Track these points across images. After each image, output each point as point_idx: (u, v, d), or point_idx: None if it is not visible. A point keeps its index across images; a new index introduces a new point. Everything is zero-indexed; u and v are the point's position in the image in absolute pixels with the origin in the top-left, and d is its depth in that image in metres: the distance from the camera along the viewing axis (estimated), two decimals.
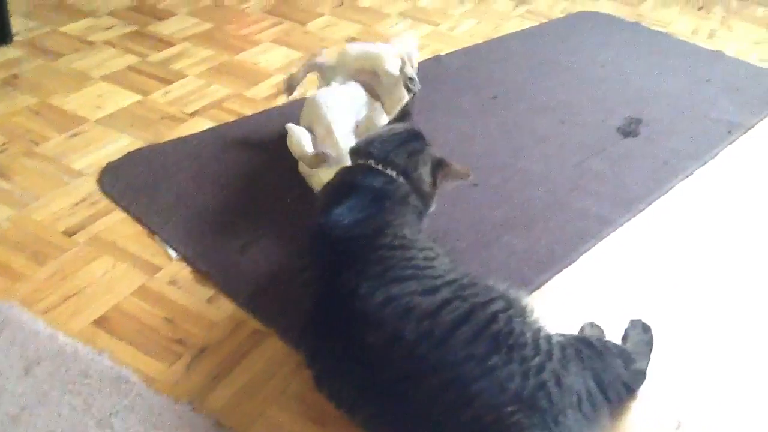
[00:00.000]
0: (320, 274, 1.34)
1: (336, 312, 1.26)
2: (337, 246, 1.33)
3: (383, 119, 1.96)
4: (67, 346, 1.40)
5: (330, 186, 1.52)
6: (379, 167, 1.47)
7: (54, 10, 2.81)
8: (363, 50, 2.06)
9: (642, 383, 1.39)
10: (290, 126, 1.87)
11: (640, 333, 1.47)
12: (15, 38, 2.55)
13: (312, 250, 1.41)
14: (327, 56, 2.11)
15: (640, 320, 1.51)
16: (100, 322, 1.48)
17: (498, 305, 1.24)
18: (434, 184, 1.52)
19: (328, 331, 1.27)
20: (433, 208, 1.56)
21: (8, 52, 2.47)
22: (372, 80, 2.02)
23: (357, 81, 2.01)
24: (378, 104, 2.01)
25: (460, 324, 1.18)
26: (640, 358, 1.40)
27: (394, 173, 1.47)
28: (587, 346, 1.29)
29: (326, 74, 2.07)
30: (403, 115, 1.64)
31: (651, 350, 1.45)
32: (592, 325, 1.50)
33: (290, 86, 2.09)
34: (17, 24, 2.63)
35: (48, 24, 2.69)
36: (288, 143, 1.87)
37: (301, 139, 1.83)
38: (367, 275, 1.25)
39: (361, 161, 1.50)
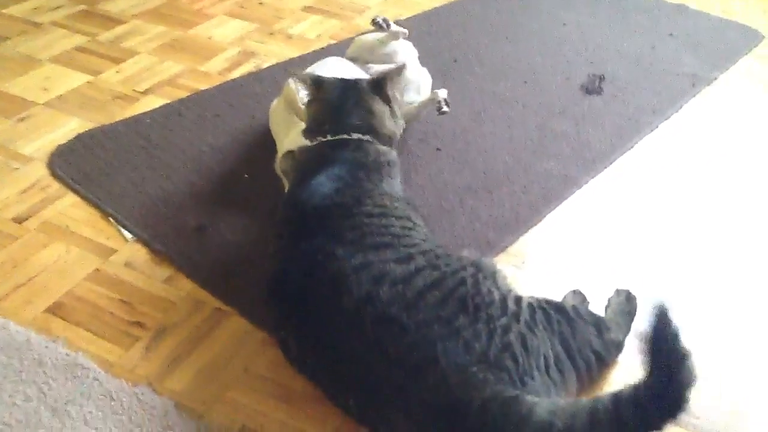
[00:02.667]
0: (292, 242, 1.32)
1: (308, 276, 1.25)
2: (313, 214, 1.33)
3: None
4: (18, 335, 1.36)
5: (301, 162, 1.49)
6: (344, 137, 1.47)
7: None
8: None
9: (616, 354, 1.35)
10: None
11: (623, 303, 1.44)
12: None
13: (285, 219, 1.39)
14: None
15: (626, 290, 1.47)
16: (54, 309, 1.44)
17: (468, 271, 1.25)
18: (388, 101, 1.55)
19: (298, 295, 1.26)
20: (404, 126, 1.62)
21: None
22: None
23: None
24: None
25: (431, 288, 1.19)
26: (617, 329, 1.36)
27: (357, 136, 1.47)
28: (557, 311, 1.28)
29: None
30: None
31: (631, 321, 1.41)
32: (575, 292, 1.47)
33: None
34: None
35: None
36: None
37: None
38: (345, 240, 1.26)
39: (322, 138, 1.48)
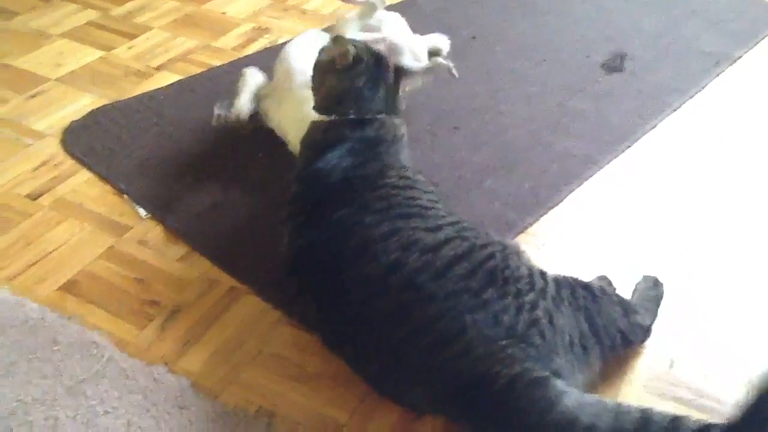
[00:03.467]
0: (316, 215, 1.30)
1: (335, 244, 1.24)
2: (336, 187, 1.32)
3: None
4: (33, 312, 1.35)
5: (317, 139, 1.44)
6: (364, 117, 1.42)
7: None
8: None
9: (643, 338, 1.32)
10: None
11: (650, 288, 1.41)
12: None
13: (303, 194, 1.37)
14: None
15: (653, 276, 1.44)
16: (69, 287, 1.42)
17: (496, 247, 1.23)
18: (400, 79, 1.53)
19: (323, 264, 1.24)
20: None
21: None
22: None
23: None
24: None
25: (460, 259, 1.17)
26: (644, 313, 1.33)
27: (378, 116, 1.43)
28: (583, 288, 1.25)
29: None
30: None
31: (658, 306, 1.38)
32: (600, 278, 1.44)
33: None
34: None
35: None
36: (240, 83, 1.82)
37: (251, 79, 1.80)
38: (372, 210, 1.25)
39: (339, 116, 1.43)
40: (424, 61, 1.89)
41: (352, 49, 1.42)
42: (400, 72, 1.52)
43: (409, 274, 1.15)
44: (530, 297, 1.16)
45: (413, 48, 1.94)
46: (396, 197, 1.29)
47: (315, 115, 1.48)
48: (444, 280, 1.15)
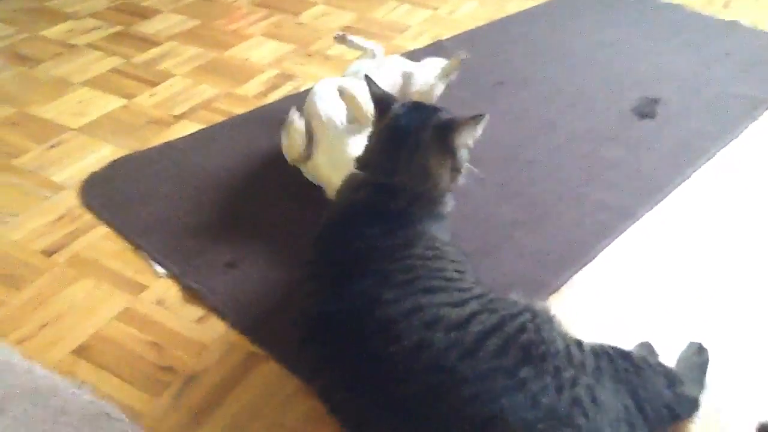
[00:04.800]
0: (334, 284, 1.21)
1: (352, 321, 1.15)
2: (358, 254, 1.22)
3: None
4: (44, 379, 1.29)
5: (346, 197, 1.35)
6: (391, 183, 1.29)
7: (34, 14, 2.69)
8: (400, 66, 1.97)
9: (692, 411, 1.23)
10: (292, 115, 1.76)
11: (694, 354, 1.33)
12: None
13: (322, 257, 1.28)
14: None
15: (697, 342, 1.36)
16: (81, 351, 1.37)
17: (526, 316, 1.15)
18: (452, 151, 1.32)
19: (340, 341, 1.16)
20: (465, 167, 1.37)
21: None
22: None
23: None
24: None
25: (489, 335, 1.10)
26: (691, 384, 1.25)
27: (410, 185, 1.29)
28: (624, 358, 1.17)
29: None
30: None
31: (705, 374, 1.30)
32: (642, 344, 1.36)
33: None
34: None
35: (28, 29, 2.57)
36: (285, 133, 1.77)
37: (297, 130, 1.73)
38: (394, 283, 1.16)
39: (374, 177, 1.32)
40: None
41: (377, 92, 1.35)
42: (447, 129, 1.30)
43: (435, 355, 1.07)
44: (569, 373, 1.08)
45: (423, 69, 1.95)
46: (422, 269, 1.19)
47: (353, 166, 1.37)
48: (474, 359, 1.06)
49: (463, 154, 1.35)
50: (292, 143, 1.74)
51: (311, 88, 1.82)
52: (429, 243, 1.25)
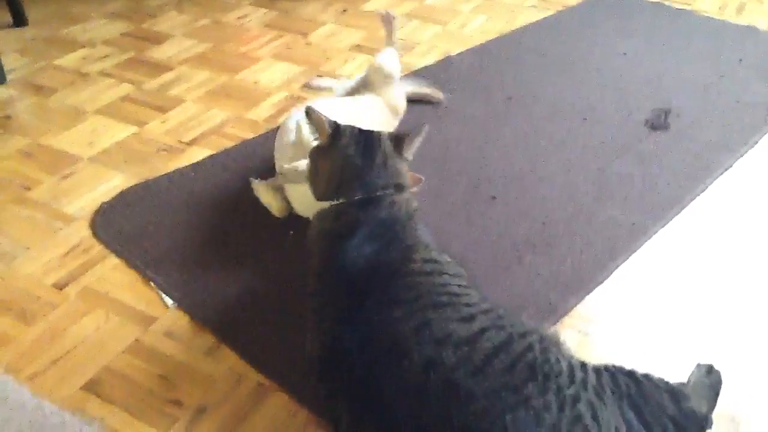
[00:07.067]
0: (342, 311, 1.22)
1: (364, 343, 1.16)
2: (359, 279, 1.23)
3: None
4: (53, 416, 1.30)
5: (328, 228, 1.37)
6: (373, 195, 1.36)
7: (48, 43, 2.72)
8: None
9: (700, 427, 1.19)
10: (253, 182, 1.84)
11: (703, 376, 1.31)
12: (9, 76, 2.46)
13: (325, 290, 1.28)
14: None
15: (707, 364, 1.33)
16: (91, 386, 1.37)
17: (534, 337, 1.16)
18: (405, 159, 1.44)
19: (353, 365, 1.16)
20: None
21: (1, 93, 2.38)
22: (370, 86, 2.01)
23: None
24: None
25: (498, 352, 1.11)
26: (698, 400, 1.23)
27: (386, 192, 1.37)
28: (625, 375, 1.17)
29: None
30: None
31: (716, 396, 1.28)
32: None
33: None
34: (11, 61, 2.56)
35: (43, 58, 2.61)
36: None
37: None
38: (400, 300, 1.18)
39: (347, 199, 1.37)
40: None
41: (324, 117, 1.40)
42: (400, 139, 1.42)
43: (446, 372, 1.08)
44: (571, 390, 1.08)
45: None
46: (425, 285, 1.21)
47: (319, 206, 1.41)
48: (483, 376, 1.07)
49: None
50: (267, 201, 1.78)
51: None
52: (425, 255, 1.27)
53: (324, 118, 1.41)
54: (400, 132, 1.44)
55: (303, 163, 1.58)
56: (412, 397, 1.08)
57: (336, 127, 1.41)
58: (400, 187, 1.39)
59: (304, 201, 1.65)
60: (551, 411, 1.04)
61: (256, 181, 1.83)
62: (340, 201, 1.36)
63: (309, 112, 1.42)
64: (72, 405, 1.33)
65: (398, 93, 2.04)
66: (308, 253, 1.38)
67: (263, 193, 1.80)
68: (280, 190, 1.78)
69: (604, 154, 2.02)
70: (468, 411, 1.05)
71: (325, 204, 1.39)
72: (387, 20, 2.18)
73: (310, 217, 1.62)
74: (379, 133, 1.43)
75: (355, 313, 1.20)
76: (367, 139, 1.41)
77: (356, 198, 1.35)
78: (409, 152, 1.44)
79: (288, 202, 1.77)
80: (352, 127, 1.43)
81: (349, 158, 1.38)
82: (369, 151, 1.39)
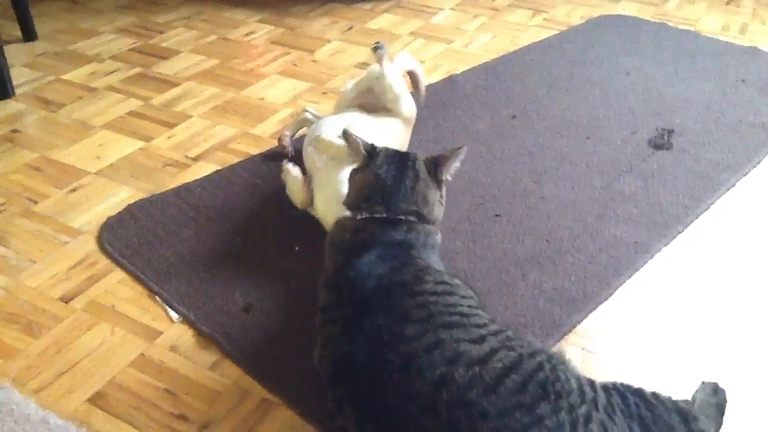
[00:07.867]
0: (352, 325, 1.23)
1: (375, 359, 1.16)
2: (371, 295, 1.25)
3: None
4: (58, 429, 1.30)
5: (345, 240, 1.39)
6: (394, 217, 1.39)
7: (57, 58, 2.75)
8: (357, 79, 2.08)
9: None
10: (285, 164, 1.87)
11: (709, 395, 1.31)
12: (17, 90, 2.49)
13: (336, 303, 1.29)
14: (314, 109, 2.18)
15: (712, 383, 1.34)
16: (96, 400, 1.38)
17: (542, 356, 1.17)
18: (440, 185, 1.48)
19: (363, 380, 1.17)
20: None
21: (9, 107, 2.41)
22: (372, 98, 2.00)
23: (358, 107, 2.01)
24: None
25: (509, 371, 1.11)
26: (706, 421, 1.23)
27: (408, 218, 1.40)
28: (634, 394, 1.17)
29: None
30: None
31: (721, 414, 1.28)
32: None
33: (283, 145, 2.10)
34: (20, 75, 2.59)
35: (51, 73, 2.63)
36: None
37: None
38: (412, 319, 1.19)
39: (368, 214, 1.41)
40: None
41: (360, 140, 1.46)
42: (437, 162, 1.46)
43: (458, 391, 1.08)
44: (583, 409, 1.09)
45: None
46: (436, 305, 1.22)
47: (343, 211, 1.46)
48: (495, 396, 1.08)
49: (444, 187, 1.50)
50: (294, 189, 1.82)
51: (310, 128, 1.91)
52: (437, 278, 1.29)
53: (360, 141, 1.47)
54: (438, 155, 1.47)
55: (340, 141, 1.64)
56: (423, 416, 1.09)
57: (371, 149, 1.47)
58: (421, 216, 1.42)
59: (329, 202, 1.68)
60: (564, 429, 1.05)
61: (290, 164, 1.85)
62: (363, 215, 1.40)
63: (346, 136, 1.49)
64: (77, 418, 1.34)
65: (408, 102, 2.03)
66: (324, 259, 1.41)
67: (291, 179, 1.82)
68: (308, 182, 1.80)
69: (608, 173, 2.03)
70: (481, 430, 1.05)
71: (348, 213, 1.44)
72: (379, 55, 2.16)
73: (326, 227, 1.64)
74: (414, 156, 1.47)
75: (366, 331, 1.20)
76: (400, 161, 1.45)
77: (378, 216, 1.39)
78: (447, 174, 1.47)
79: (311, 198, 1.78)
80: (387, 149, 1.48)
81: (379, 177, 1.43)
82: (400, 173, 1.43)
